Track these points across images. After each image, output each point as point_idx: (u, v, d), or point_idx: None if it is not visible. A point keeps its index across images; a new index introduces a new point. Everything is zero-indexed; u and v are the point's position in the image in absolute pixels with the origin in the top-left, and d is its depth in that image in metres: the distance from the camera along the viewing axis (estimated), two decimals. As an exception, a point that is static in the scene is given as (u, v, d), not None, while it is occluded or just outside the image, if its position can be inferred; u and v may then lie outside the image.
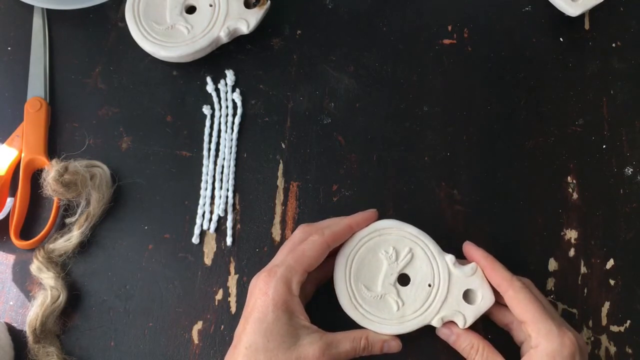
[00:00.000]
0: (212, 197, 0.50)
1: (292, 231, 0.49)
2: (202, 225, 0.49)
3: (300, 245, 0.43)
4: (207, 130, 0.52)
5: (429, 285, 0.44)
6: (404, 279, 0.45)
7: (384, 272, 0.45)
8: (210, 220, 0.49)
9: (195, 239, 0.49)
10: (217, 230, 0.49)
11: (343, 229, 0.44)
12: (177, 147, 0.51)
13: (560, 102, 0.53)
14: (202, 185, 0.50)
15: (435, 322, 0.44)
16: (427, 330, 0.45)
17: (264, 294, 0.41)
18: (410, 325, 0.43)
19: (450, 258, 0.44)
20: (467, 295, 0.44)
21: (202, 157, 0.51)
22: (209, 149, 0.51)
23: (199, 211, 0.49)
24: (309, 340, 0.41)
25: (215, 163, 0.51)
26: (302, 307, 0.42)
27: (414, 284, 0.44)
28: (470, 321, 0.43)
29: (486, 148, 0.52)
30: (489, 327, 0.46)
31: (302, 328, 0.41)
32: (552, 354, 0.40)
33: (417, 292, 0.44)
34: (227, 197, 0.50)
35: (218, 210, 0.50)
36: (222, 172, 0.51)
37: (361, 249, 0.45)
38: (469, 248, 0.46)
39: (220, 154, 0.51)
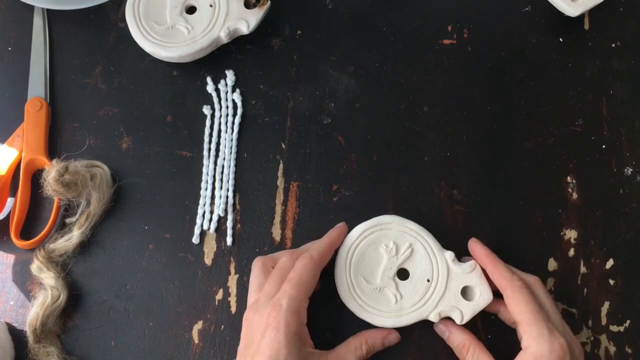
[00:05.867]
0: (212, 197, 0.52)
1: (292, 231, 0.51)
2: (202, 225, 0.51)
3: (293, 273, 0.43)
4: (207, 130, 0.53)
5: (428, 281, 0.46)
6: (403, 274, 0.47)
7: (383, 265, 0.46)
8: (211, 220, 0.51)
9: (195, 239, 0.51)
10: (217, 230, 0.51)
11: (327, 247, 0.46)
12: (177, 147, 0.53)
13: (560, 102, 0.55)
14: (202, 185, 0.52)
15: (432, 317, 0.45)
16: (428, 331, 0.47)
17: (275, 330, 0.41)
18: (407, 318, 0.45)
19: (449, 254, 0.46)
20: (465, 292, 0.46)
21: (202, 157, 0.52)
22: (209, 149, 0.53)
23: (199, 211, 0.51)
24: None
25: (215, 163, 0.53)
26: (308, 334, 0.43)
27: (412, 279, 0.46)
28: (467, 317, 0.45)
29: (486, 148, 0.53)
30: (489, 327, 0.48)
31: (310, 356, 0.42)
32: (540, 358, 0.41)
33: (416, 286, 0.46)
34: (227, 197, 0.52)
35: (218, 210, 0.51)
36: (222, 172, 0.52)
37: (362, 242, 0.47)
38: (473, 244, 0.47)
39: (220, 154, 0.53)
